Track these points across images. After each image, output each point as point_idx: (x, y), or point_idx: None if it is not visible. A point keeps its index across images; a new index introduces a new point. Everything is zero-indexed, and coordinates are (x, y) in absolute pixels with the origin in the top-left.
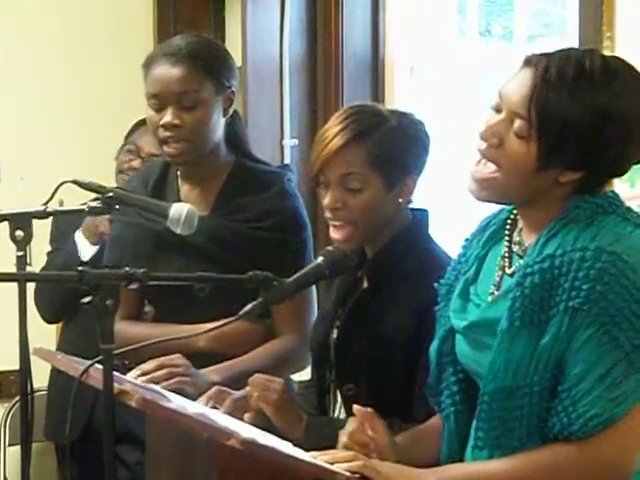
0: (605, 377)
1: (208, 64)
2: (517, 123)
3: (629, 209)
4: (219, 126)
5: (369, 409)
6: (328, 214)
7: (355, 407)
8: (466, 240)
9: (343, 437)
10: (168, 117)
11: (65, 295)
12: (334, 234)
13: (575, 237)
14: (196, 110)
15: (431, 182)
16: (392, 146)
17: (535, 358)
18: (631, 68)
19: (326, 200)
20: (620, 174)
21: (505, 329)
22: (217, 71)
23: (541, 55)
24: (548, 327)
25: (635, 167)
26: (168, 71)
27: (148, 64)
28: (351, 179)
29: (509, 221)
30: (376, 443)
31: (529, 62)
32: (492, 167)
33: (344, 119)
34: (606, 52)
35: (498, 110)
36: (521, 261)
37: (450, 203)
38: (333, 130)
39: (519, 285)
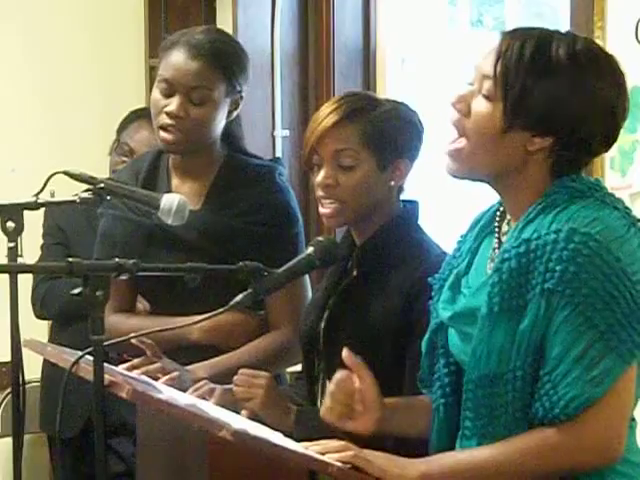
0: (582, 358)
1: (227, 66)
2: (485, 84)
3: (609, 194)
4: (220, 126)
5: (358, 359)
6: (319, 192)
7: (345, 353)
8: (461, 236)
9: (331, 386)
10: (174, 107)
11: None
12: (322, 208)
13: (551, 221)
14: (203, 107)
15: (421, 172)
16: (386, 126)
17: (516, 343)
18: (603, 53)
19: (318, 177)
20: (590, 153)
21: (485, 315)
22: (233, 74)
23: (513, 30)
24: (526, 311)
25: (625, 156)
26: (187, 62)
27: (167, 48)
28: (344, 155)
29: (498, 213)
30: (362, 394)
31: (501, 36)
32: (460, 140)
33: (338, 100)
34: (597, 41)
35: (472, 84)
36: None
37: (440, 193)
38: (327, 110)
39: (497, 271)
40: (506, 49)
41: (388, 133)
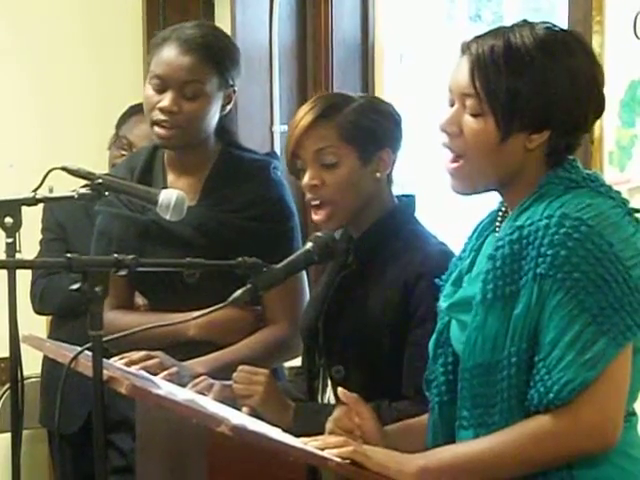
0: (575, 342)
1: (219, 59)
2: (468, 102)
3: (605, 185)
4: (214, 120)
5: (354, 394)
6: (308, 194)
7: (340, 390)
8: (468, 238)
9: (329, 424)
10: (167, 102)
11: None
12: (315, 215)
13: (544, 208)
14: (196, 101)
15: (420, 168)
16: (362, 119)
17: (510, 330)
18: (562, 30)
19: (304, 179)
20: (585, 130)
21: (479, 302)
22: (225, 68)
23: (472, 39)
24: (519, 297)
25: (624, 151)
26: (178, 57)
27: (158, 44)
28: (325, 154)
29: (500, 212)
30: (361, 429)
31: (464, 49)
32: (460, 162)
33: (311, 102)
34: (595, 36)
35: (452, 105)
36: None
37: (439, 188)
38: (301, 113)
39: (491, 259)
40: (477, 61)
41: (365, 125)
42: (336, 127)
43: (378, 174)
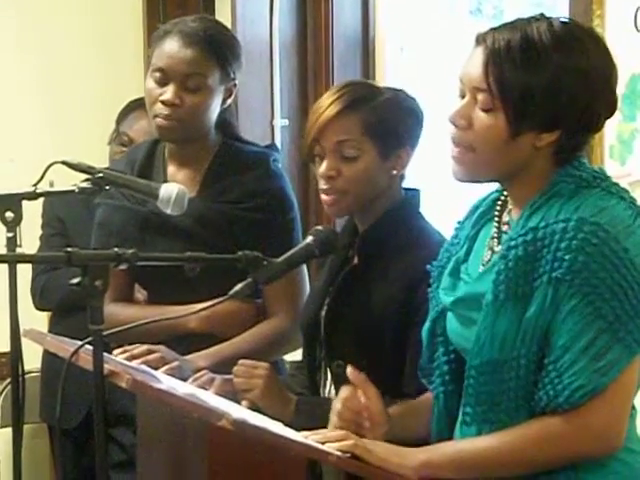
0: (589, 348)
1: (221, 53)
2: (480, 97)
3: (614, 183)
4: (215, 114)
5: (362, 374)
6: (322, 183)
7: (349, 370)
8: (458, 222)
9: (337, 404)
10: (169, 95)
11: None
12: (325, 196)
13: (558, 210)
14: (198, 94)
15: (421, 160)
16: (387, 115)
17: (521, 331)
18: (580, 27)
19: (321, 168)
20: (595, 130)
21: (490, 302)
22: (227, 61)
23: (489, 31)
24: (532, 299)
25: (625, 145)
26: (181, 50)
27: (160, 37)
28: (346, 146)
29: (499, 202)
30: (369, 410)
31: (479, 40)
32: (467, 154)
33: (338, 90)
34: (596, 30)
35: (463, 96)
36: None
37: (440, 181)
38: (328, 100)
39: (503, 258)
40: (492, 55)
41: (389, 122)
42: (361, 121)
43: (394, 171)
